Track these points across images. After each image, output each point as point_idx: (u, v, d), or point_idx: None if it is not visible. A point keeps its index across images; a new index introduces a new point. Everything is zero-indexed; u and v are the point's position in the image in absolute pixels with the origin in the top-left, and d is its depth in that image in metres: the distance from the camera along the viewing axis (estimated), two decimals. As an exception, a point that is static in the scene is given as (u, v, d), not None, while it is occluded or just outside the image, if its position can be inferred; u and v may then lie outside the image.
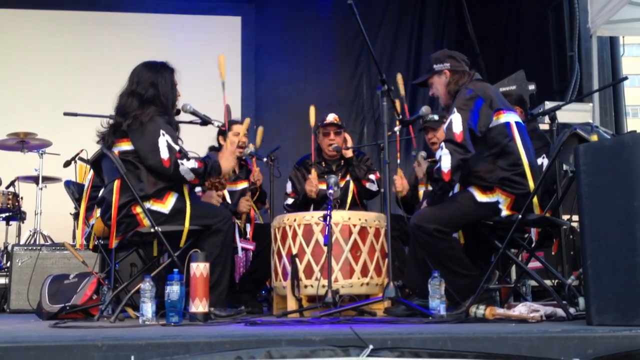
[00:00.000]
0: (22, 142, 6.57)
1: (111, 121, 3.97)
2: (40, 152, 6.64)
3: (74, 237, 6.33)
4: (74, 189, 4.61)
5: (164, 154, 3.73)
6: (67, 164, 6.36)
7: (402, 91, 4.80)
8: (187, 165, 3.76)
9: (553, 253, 4.74)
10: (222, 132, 5.11)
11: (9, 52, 8.31)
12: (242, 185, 5.09)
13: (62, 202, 5.37)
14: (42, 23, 8.39)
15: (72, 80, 8.13)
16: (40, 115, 7.55)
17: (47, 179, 6.68)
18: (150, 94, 3.88)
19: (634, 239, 2.59)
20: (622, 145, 2.71)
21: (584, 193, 2.78)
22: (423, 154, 5.07)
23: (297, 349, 2.22)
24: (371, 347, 2.23)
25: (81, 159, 6.15)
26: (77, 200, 4.52)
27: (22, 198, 6.56)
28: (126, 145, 3.82)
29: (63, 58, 8.28)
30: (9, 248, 5.91)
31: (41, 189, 6.63)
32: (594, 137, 3.19)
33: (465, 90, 3.75)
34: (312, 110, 5.06)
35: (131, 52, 7.34)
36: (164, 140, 3.74)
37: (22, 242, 6.43)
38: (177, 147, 3.78)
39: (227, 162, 4.06)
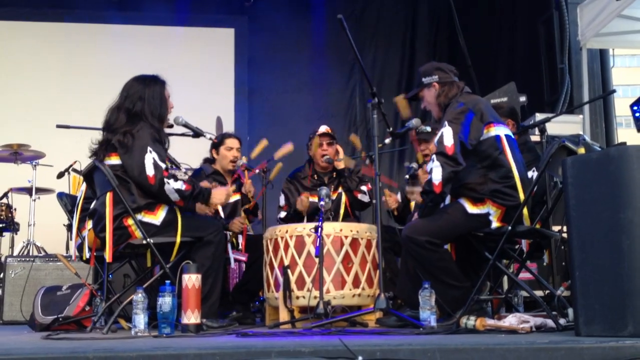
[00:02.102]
0: (16, 154, 6.57)
1: (101, 136, 3.99)
2: (34, 163, 6.64)
3: (67, 249, 6.35)
4: (67, 200, 4.62)
5: (150, 171, 3.74)
6: (60, 175, 6.39)
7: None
8: (173, 186, 3.77)
9: (545, 264, 4.77)
10: (215, 145, 5.14)
11: (2, 64, 8.32)
12: (234, 198, 5.09)
13: (55, 214, 5.37)
14: (35, 35, 8.39)
15: (65, 92, 8.14)
16: (34, 126, 7.56)
17: (40, 191, 6.68)
18: (138, 108, 3.90)
19: (621, 251, 2.63)
20: (608, 158, 2.75)
21: (571, 205, 2.81)
22: (415, 165, 5.12)
23: (287, 360, 2.24)
24: (360, 358, 2.25)
25: (74, 171, 6.17)
26: (70, 212, 4.53)
27: (15, 209, 6.55)
28: (115, 160, 3.84)
29: (57, 70, 8.29)
30: (2, 259, 5.91)
31: (34, 200, 6.62)
32: (581, 150, 3.22)
33: (456, 103, 3.79)
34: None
35: (125, 64, 7.40)
36: (150, 157, 3.76)
37: (15, 253, 6.42)
38: (163, 165, 3.79)
39: (219, 196, 4.03)
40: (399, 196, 5.25)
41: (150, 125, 3.89)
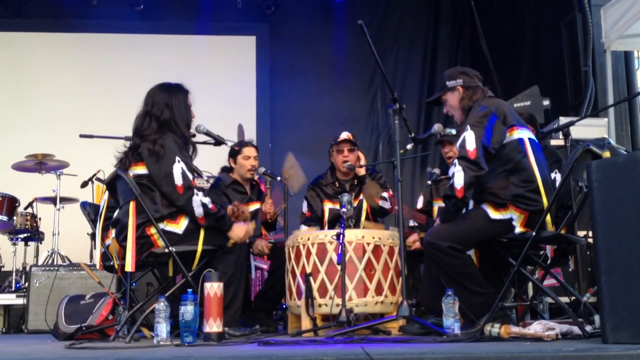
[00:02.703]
0: (40, 164, 6.63)
1: (128, 144, 4.01)
2: (58, 173, 6.69)
3: (91, 258, 6.39)
4: (90, 209, 4.64)
5: (178, 181, 3.75)
6: (84, 184, 6.44)
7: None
8: (201, 199, 3.77)
9: (570, 270, 4.70)
10: (233, 154, 5.14)
11: (27, 74, 8.44)
12: (254, 206, 5.09)
13: (79, 223, 5.41)
14: (59, 46, 8.51)
15: (89, 102, 8.23)
16: (58, 136, 7.65)
17: (64, 200, 6.73)
18: (166, 117, 3.90)
19: (648, 256, 2.57)
20: (634, 161, 2.70)
21: (597, 210, 2.76)
22: (437, 170, 5.09)
23: (308, 369, 2.22)
24: (382, 367, 2.22)
25: (98, 180, 6.21)
26: (93, 221, 4.56)
27: (40, 219, 6.63)
28: (141, 169, 3.85)
29: (80, 80, 8.38)
30: (27, 268, 5.96)
31: (59, 209, 6.67)
32: (606, 154, 3.18)
33: (479, 107, 3.76)
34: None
35: (148, 73, 7.46)
36: (179, 167, 3.77)
37: (40, 262, 6.47)
38: (191, 176, 3.80)
39: (238, 232, 3.89)
40: (421, 200, 5.25)
41: (179, 134, 3.90)
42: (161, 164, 3.79)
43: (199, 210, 3.77)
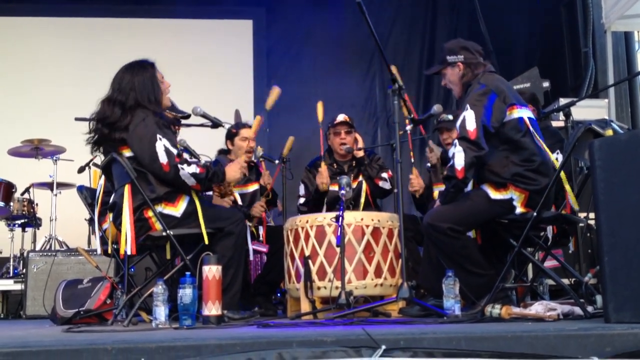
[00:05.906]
0: (37, 149, 6.59)
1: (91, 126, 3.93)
2: (55, 158, 6.66)
3: (89, 243, 6.37)
4: (87, 194, 4.61)
5: (163, 159, 3.71)
6: (81, 169, 6.38)
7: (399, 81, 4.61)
8: (187, 170, 3.74)
9: (570, 251, 4.68)
10: (230, 136, 5.11)
11: (22, 60, 8.34)
12: (253, 187, 5.08)
13: (76, 208, 5.38)
14: (54, 30, 8.42)
15: (85, 87, 8.08)
16: (54, 121, 7.56)
17: (61, 185, 6.70)
18: (132, 101, 3.83)
19: (651, 235, 2.54)
20: (637, 139, 2.67)
21: (599, 189, 2.72)
22: (433, 146, 5.06)
23: (309, 350, 2.19)
24: (384, 347, 2.19)
25: (95, 165, 6.16)
26: (90, 206, 4.52)
27: (37, 204, 6.59)
28: (128, 152, 3.81)
29: (76, 64, 8.28)
30: (25, 254, 5.94)
31: (56, 195, 6.64)
32: (609, 132, 3.14)
33: (478, 85, 3.71)
34: (319, 106, 5.01)
35: (143, 58, 7.37)
36: (161, 144, 3.72)
37: (37, 248, 6.45)
38: (175, 151, 3.75)
39: (233, 172, 4.02)
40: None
41: (152, 112, 3.83)
42: (143, 144, 3.75)
43: (190, 181, 3.77)
